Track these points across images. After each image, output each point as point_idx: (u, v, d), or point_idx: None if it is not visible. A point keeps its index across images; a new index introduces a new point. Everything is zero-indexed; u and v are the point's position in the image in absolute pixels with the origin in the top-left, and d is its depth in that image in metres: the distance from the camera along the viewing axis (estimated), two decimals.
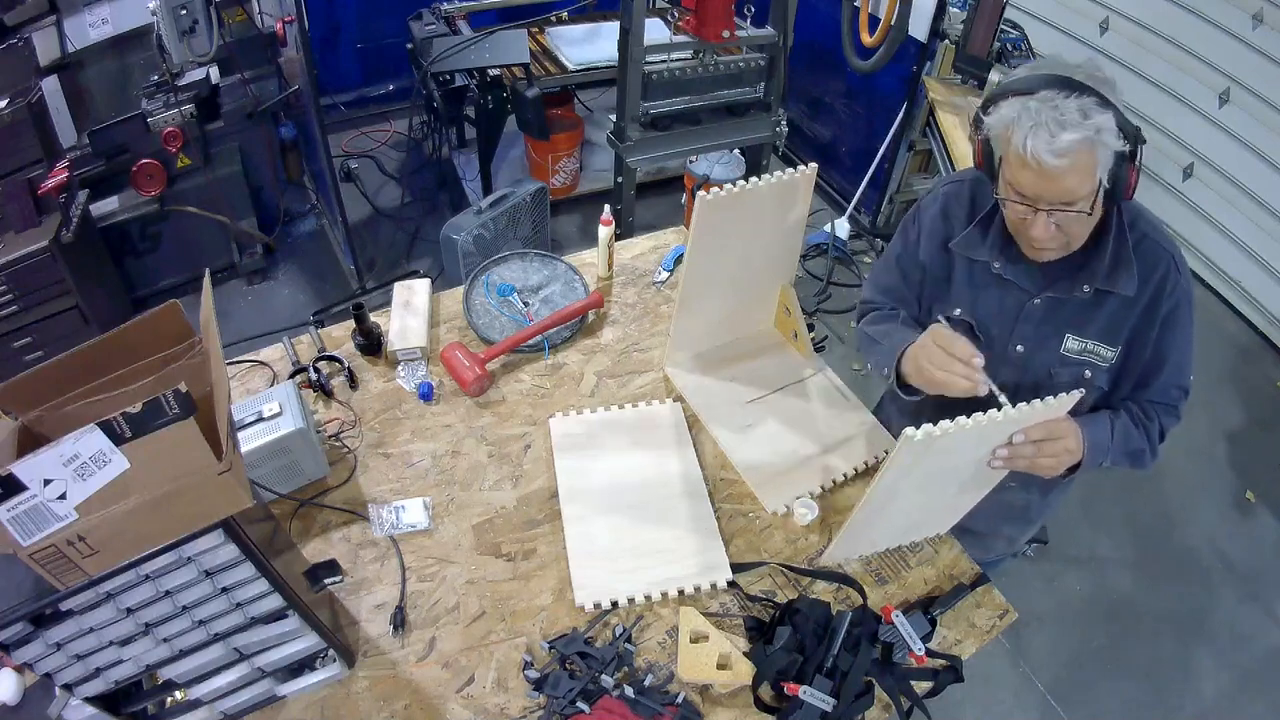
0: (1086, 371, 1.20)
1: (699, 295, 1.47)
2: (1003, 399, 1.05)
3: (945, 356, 1.12)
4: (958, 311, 1.27)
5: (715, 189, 1.28)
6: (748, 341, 1.66)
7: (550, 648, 1.14)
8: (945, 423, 0.95)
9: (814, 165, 1.39)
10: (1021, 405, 1.00)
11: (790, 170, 1.36)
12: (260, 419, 1.26)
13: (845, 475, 1.43)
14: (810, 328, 1.63)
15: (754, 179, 1.32)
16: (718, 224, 1.34)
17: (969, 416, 0.96)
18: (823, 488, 1.41)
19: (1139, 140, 1.01)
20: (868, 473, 1.45)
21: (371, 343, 1.57)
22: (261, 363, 1.55)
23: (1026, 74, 1.05)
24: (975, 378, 1.09)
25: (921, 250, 1.32)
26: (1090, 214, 1.04)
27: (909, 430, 0.95)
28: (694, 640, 1.15)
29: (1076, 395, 1.02)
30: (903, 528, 1.32)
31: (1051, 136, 0.97)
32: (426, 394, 1.50)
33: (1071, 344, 1.19)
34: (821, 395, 1.57)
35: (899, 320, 1.35)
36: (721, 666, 1.12)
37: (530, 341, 1.60)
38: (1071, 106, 0.97)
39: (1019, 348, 1.23)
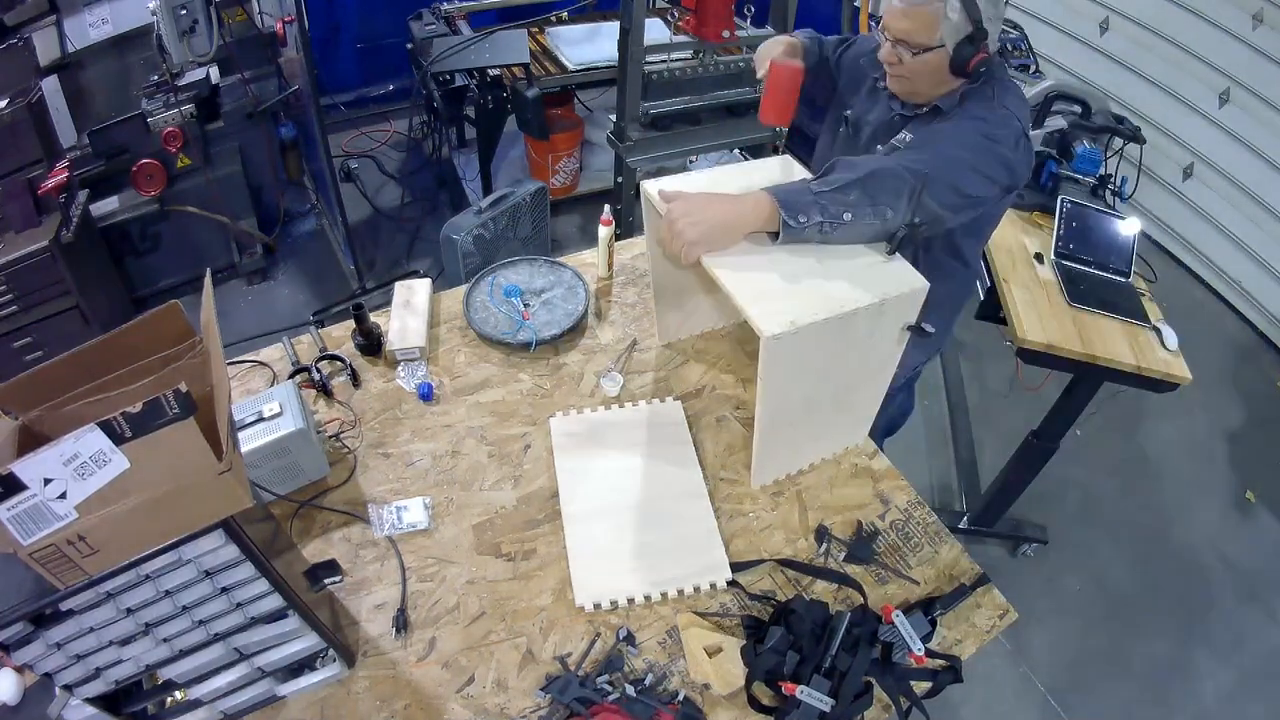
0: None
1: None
2: None
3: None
4: (849, 112, 1.55)
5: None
6: None
7: (545, 694, 1.10)
8: (801, 312, 1.05)
9: (925, 283, 1.15)
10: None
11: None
12: (260, 419, 1.26)
13: (832, 452, 1.44)
14: None
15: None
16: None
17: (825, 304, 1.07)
18: None
19: (983, 31, 1.23)
20: (854, 452, 1.45)
21: (371, 343, 1.57)
22: (261, 363, 1.56)
23: None
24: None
25: (850, 56, 1.62)
26: (915, 57, 1.27)
27: (770, 333, 1.03)
28: (711, 654, 1.14)
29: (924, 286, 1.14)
30: (818, 431, 1.38)
31: None
32: (426, 394, 1.50)
33: (901, 135, 1.39)
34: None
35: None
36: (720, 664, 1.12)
37: (521, 338, 1.61)
38: None
39: (878, 147, 1.44)
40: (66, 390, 0.88)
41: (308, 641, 1.01)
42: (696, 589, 1.24)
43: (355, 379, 1.53)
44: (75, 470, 0.76)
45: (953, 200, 1.23)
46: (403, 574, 1.24)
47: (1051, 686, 2.19)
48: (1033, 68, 2.97)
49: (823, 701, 1.07)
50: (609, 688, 1.10)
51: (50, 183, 2.43)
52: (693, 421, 1.50)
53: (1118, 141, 2.38)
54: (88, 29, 2.79)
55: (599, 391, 1.56)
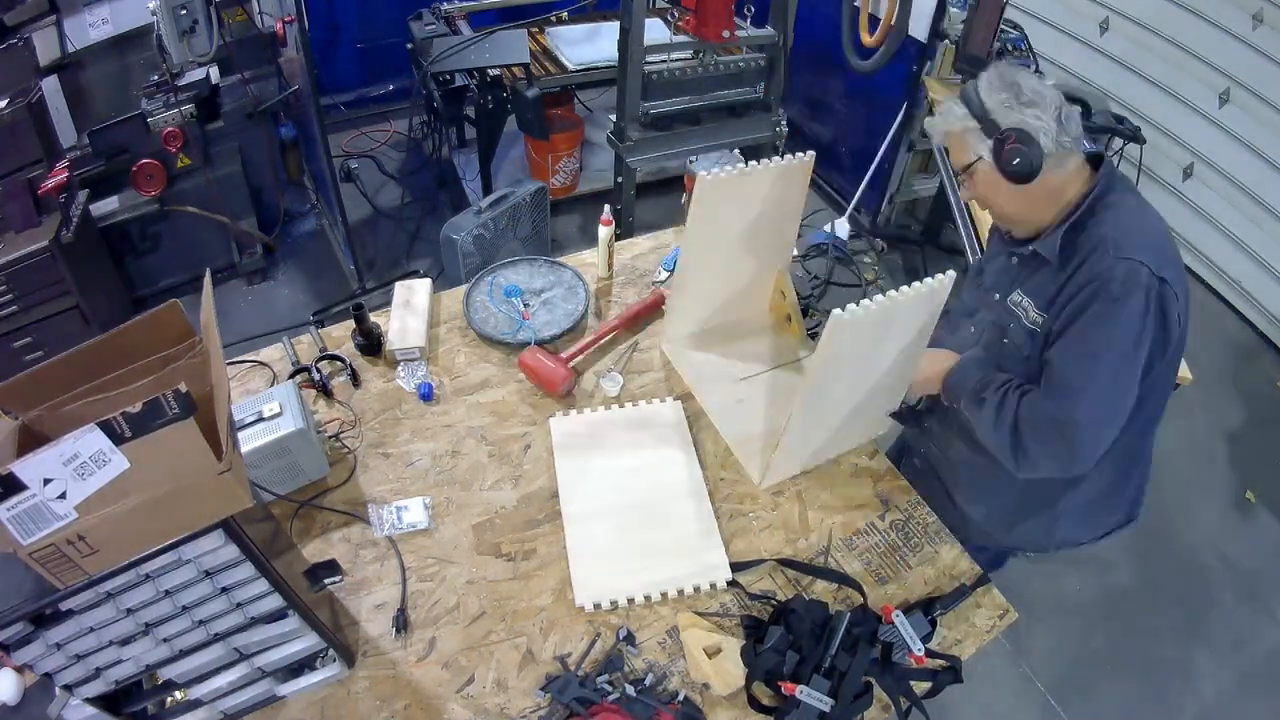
0: (1011, 325, 1.31)
1: (696, 273, 1.51)
2: None
3: None
4: (978, 257, 1.59)
5: (716, 171, 1.35)
6: (745, 323, 1.70)
7: (545, 693, 1.11)
8: (865, 301, 1.11)
9: (811, 153, 1.44)
10: (916, 284, 1.16)
11: (789, 156, 1.41)
12: (260, 419, 1.26)
13: (837, 453, 1.46)
14: (805, 311, 1.65)
15: (754, 163, 1.38)
16: (717, 205, 1.39)
17: (885, 294, 1.13)
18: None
19: (992, 125, 1.18)
20: (854, 452, 1.45)
21: (371, 343, 1.57)
22: (261, 363, 1.55)
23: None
24: None
25: None
26: (967, 176, 1.25)
27: (837, 311, 1.09)
28: (710, 655, 1.14)
29: (949, 277, 1.20)
30: (837, 431, 1.39)
31: (934, 128, 1.28)
32: (426, 394, 1.50)
33: (1015, 296, 1.31)
34: None
35: None
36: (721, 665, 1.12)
37: (521, 338, 1.61)
38: (950, 106, 1.24)
39: (996, 295, 1.37)
40: (66, 390, 0.89)
41: (308, 641, 1.01)
42: (696, 589, 1.24)
43: (355, 379, 1.53)
44: (75, 470, 0.76)
45: (1108, 436, 1.17)
46: (403, 574, 1.24)
47: (1051, 686, 2.19)
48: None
49: (822, 701, 1.07)
50: (609, 688, 1.10)
51: (50, 183, 2.43)
52: (693, 421, 1.50)
53: (1118, 141, 2.38)
54: (88, 29, 2.79)
55: (599, 391, 1.56)
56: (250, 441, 1.23)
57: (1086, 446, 1.16)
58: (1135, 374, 1.15)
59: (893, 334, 1.23)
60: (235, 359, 1.54)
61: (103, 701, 0.91)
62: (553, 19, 3.67)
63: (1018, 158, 1.15)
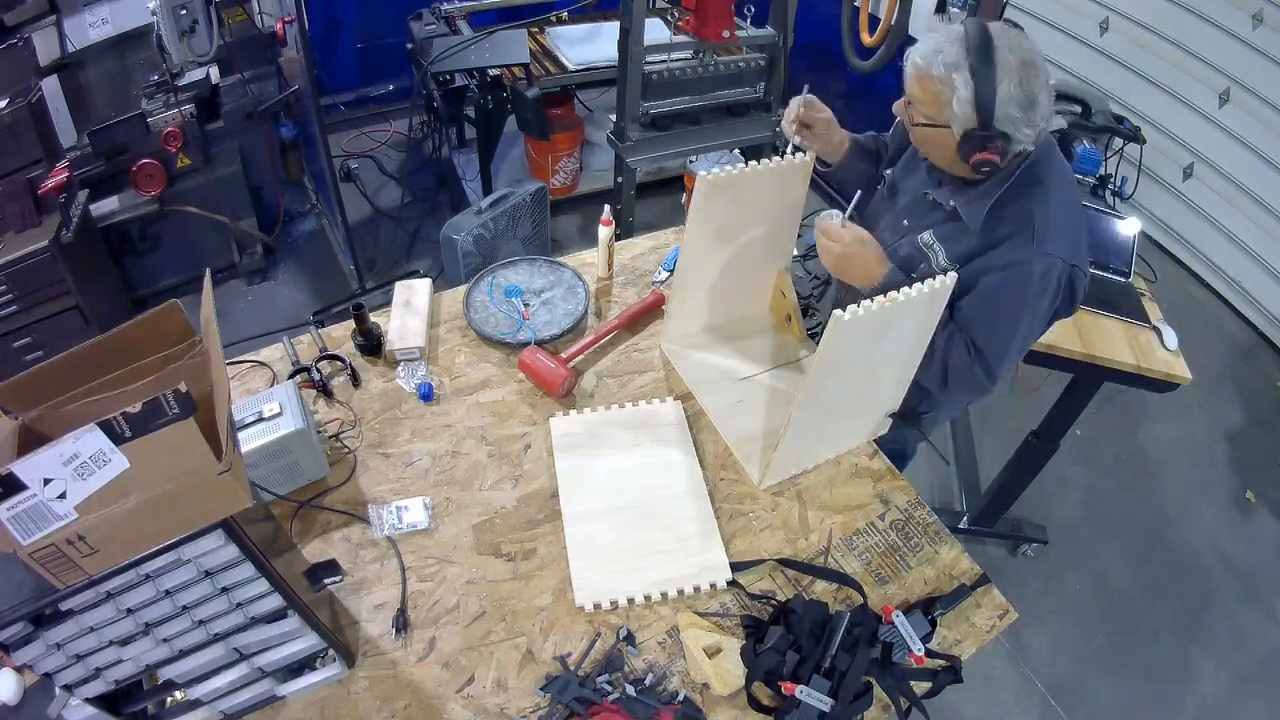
0: (922, 265, 1.36)
1: (696, 273, 1.52)
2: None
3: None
4: (889, 171, 1.52)
5: (716, 170, 1.36)
6: (744, 322, 1.70)
7: (545, 693, 1.11)
8: (866, 302, 1.10)
9: (811, 153, 1.45)
10: (916, 285, 1.15)
11: (789, 156, 1.42)
12: (260, 419, 1.26)
13: (837, 453, 1.46)
14: (805, 311, 1.65)
15: (753, 163, 1.39)
16: (716, 204, 1.40)
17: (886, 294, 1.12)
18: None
19: (992, 132, 1.16)
20: (854, 452, 1.45)
21: (371, 343, 1.57)
22: (261, 363, 1.55)
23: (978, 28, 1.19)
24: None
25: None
26: (916, 126, 1.24)
27: (838, 312, 1.08)
28: (710, 655, 1.14)
29: (951, 278, 1.18)
30: (837, 431, 1.41)
31: (916, 50, 1.21)
32: (426, 394, 1.50)
33: (925, 237, 1.36)
34: None
35: None
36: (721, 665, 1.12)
37: (521, 338, 1.61)
38: (953, 51, 1.16)
39: (905, 221, 1.43)
40: (66, 390, 0.89)
41: (308, 641, 1.01)
42: (696, 589, 1.24)
43: (355, 379, 1.53)
44: (75, 470, 0.77)
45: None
46: (403, 574, 1.24)
47: (1051, 686, 2.19)
48: None
49: (822, 701, 1.07)
50: (609, 688, 1.10)
51: (50, 183, 2.43)
52: (693, 421, 1.50)
53: (1118, 141, 2.38)
54: (88, 29, 2.79)
55: (599, 391, 1.56)
56: (250, 441, 1.23)
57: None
58: (1040, 334, 1.35)
59: (893, 334, 1.23)
60: (235, 359, 1.54)
61: (103, 701, 0.91)
62: (553, 19, 3.67)
63: (987, 164, 1.19)
